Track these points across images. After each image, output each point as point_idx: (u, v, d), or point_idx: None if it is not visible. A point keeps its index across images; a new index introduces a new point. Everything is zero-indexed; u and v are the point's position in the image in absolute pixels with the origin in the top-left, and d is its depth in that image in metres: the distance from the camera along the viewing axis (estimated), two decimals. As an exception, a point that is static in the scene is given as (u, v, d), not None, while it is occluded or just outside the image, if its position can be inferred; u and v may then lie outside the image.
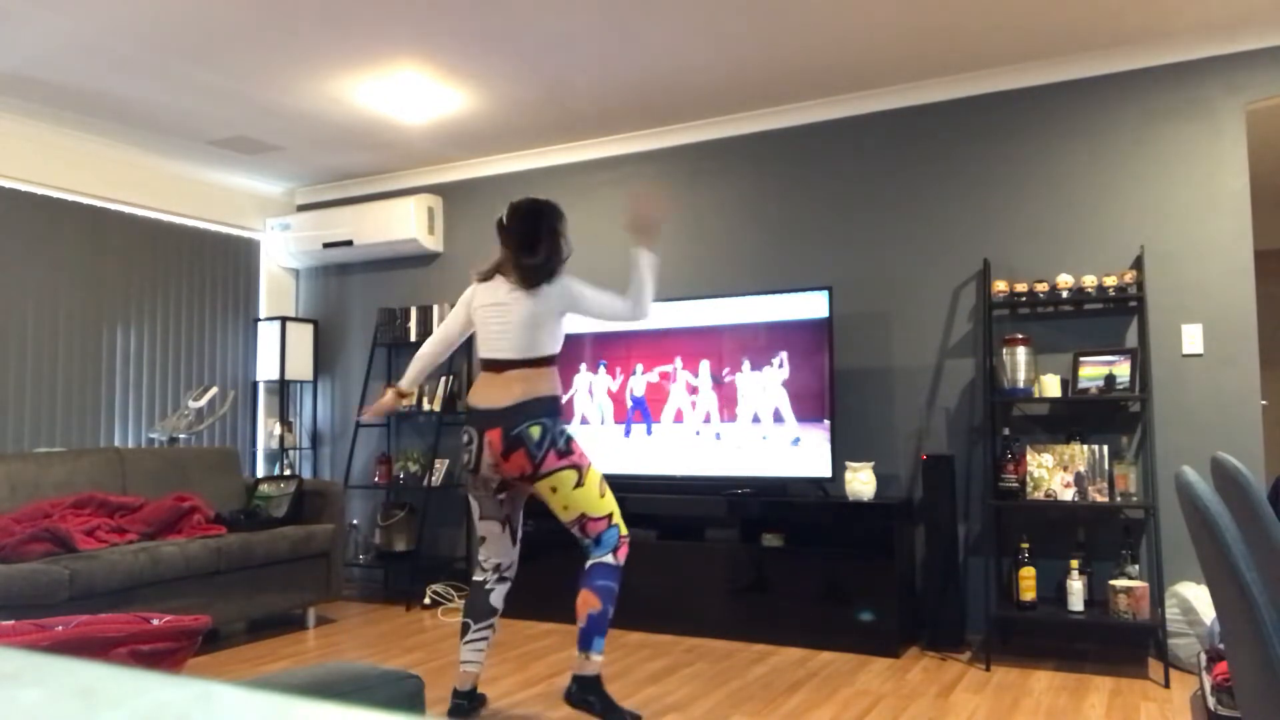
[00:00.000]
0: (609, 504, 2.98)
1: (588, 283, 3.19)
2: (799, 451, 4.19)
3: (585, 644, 2.88)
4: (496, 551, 3.11)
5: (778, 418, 4.25)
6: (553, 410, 2.96)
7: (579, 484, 2.94)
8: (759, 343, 4.34)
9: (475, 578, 3.14)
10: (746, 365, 4.36)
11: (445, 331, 3.24)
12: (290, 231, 5.87)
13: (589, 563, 2.95)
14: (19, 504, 3.87)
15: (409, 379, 3.36)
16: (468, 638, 3.05)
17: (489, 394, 2.97)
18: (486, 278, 3.11)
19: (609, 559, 2.94)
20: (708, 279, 4.85)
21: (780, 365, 4.28)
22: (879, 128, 4.49)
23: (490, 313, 3.04)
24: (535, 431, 2.90)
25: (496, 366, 3.01)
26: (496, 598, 3.11)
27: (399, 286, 5.82)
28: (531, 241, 2.98)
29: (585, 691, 2.88)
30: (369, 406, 3.30)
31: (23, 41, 3.78)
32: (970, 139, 4.28)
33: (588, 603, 2.89)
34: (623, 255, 5.06)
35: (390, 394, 3.39)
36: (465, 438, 3.01)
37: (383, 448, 5.74)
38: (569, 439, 2.97)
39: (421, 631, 4.42)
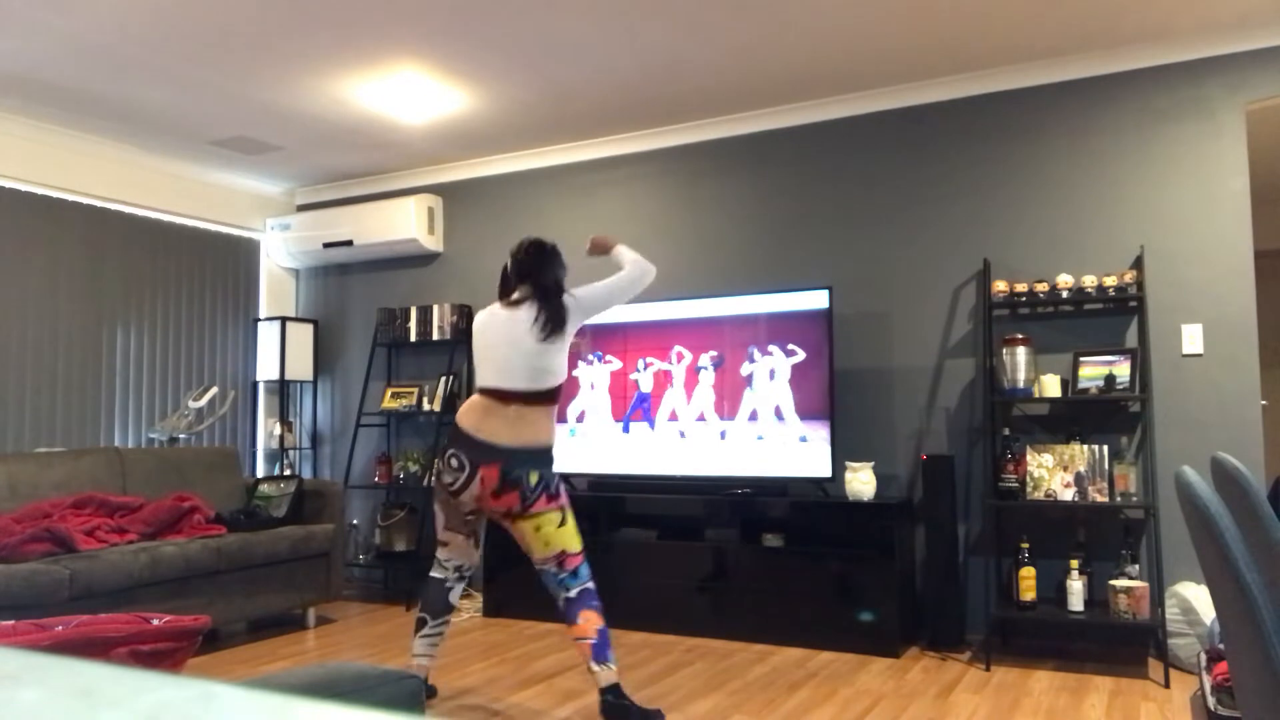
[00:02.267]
0: (580, 541, 3.07)
1: (583, 284, 3.19)
2: (799, 451, 4.19)
3: (602, 657, 2.94)
4: (458, 555, 3.15)
5: (779, 416, 4.25)
6: (551, 458, 3.03)
7: (562, 524, 3.00)
8: (759, 342, 4.34)
9: (434, 574, 3.16)
10: (747, 364, 4.36)
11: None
12: (290, 231, 5.87)
13: (576, 590, 2.99)
14: (19, 504, 3.87)
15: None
16: (424, 632, 3.10)
17: (493, 427, 2.94)
18: (505, 302, 3.10)
19: (589, 585, 3.03)
20: (708, 279, 4.85)
21: (786, 358, 4.28)
22: (879, 128, 4.49)
23: (493, 338, 3.02)
24: (533, 478, 2.95)
25: (502, 397, 2.97)
26: (454, 595, 3.16)
27: (399, 286, 5.82)
28: (547, 283, 3.04)
29: (620, 697, 2.92)
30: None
31: (23, 41, 3.78)
32: (970, 139, 4.28)
33: (590, 621, 2.96)
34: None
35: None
36: (455, 462, 2.95)
37: (383, 448, 5.74)
38: (559, 483, 3.03)
39: (421, 631, 4.42)
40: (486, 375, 3.01)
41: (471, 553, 3.16)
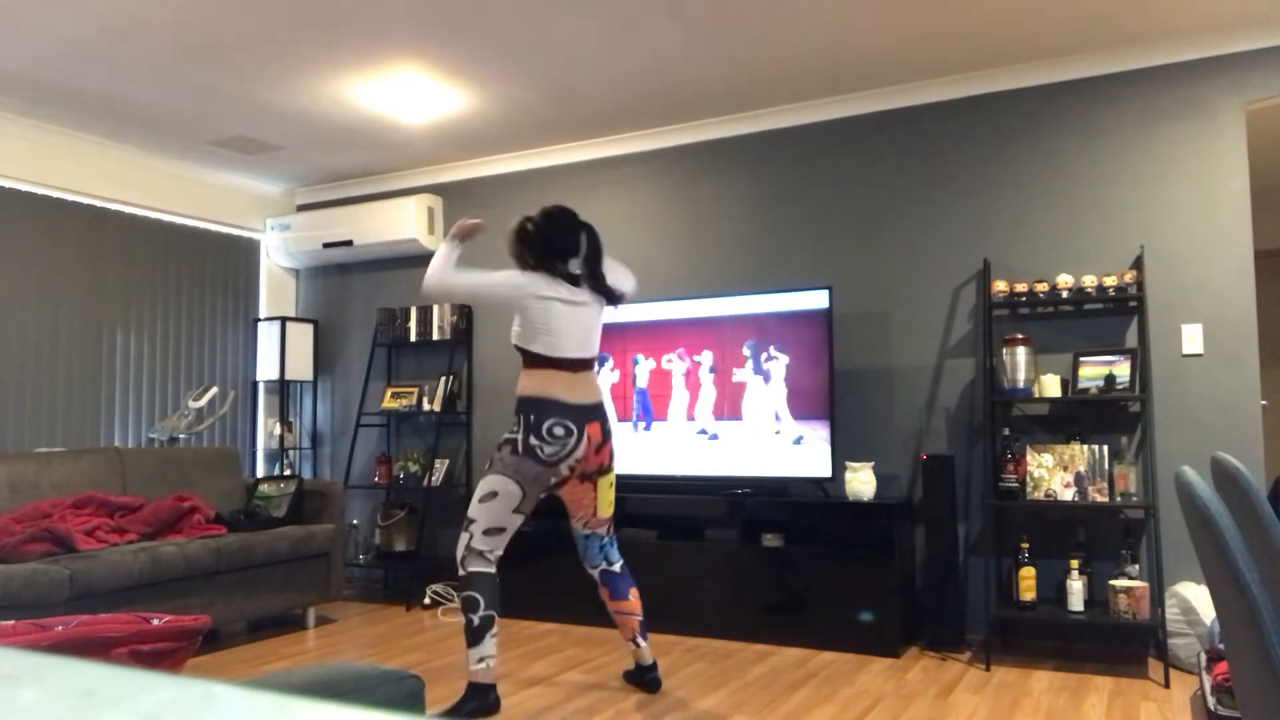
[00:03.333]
0: None
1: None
2: (799, 451, 4.19)
3: (645, 634, 3.31)
4: (500, 545, 3.15)
5: (778, 417, 4.25)
6: None
7: (613, 483, 3.31)
8: (758, 342, 4.34)
9: (484, 569, 3.08)
10: (749, 364, 4.36)
11: (477, 292, 3.15)
12: (290, 231, 5.87)
13: (619, 564, 3.32)
14: (19, 504, 3.87)
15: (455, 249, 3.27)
16: (494, 630, 3.03)
17: (578, 390, 3.14)
18: (546, 271, 3.18)
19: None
20: (708, 279, 4.85)
21: (779, 362, 4.28)
22: (879, 128, 4.49)
23: (567, 311, 3.16)
24: (610, 429, 3.26)
25: (573, 366, 3.17)
26: None
27: (399, 286, 5.82)
28: (598, 252, 3.26)
29: (656, 671, 3.34)
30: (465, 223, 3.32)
31: (23, 41, 3.78)
32: (970, 139, 4.28)
33: (638, 600, 3.30)
34: (621, 255, 5.07)
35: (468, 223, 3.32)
36: (560, 430, 3.07)
37: (383, 448, 5.74)
38: None
39: (421, 631, 4.42)
40: (558, 344, 3.14)
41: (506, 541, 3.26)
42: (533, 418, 3.06)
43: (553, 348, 3.13)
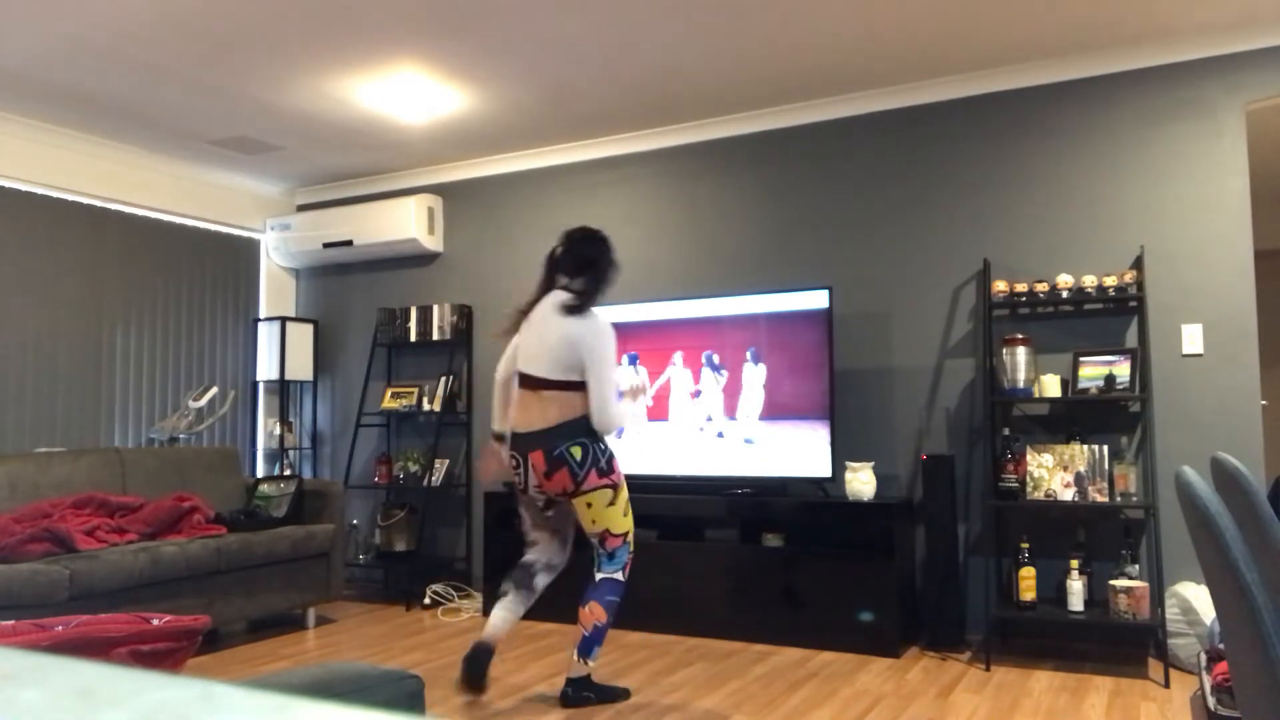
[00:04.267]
0: (629, 523, 3.18)
1: (609, 364, 3.12)
2: (799, 451, 4.19)
3: (585, 652, 3.11)
4: (546, 552, 3.27)
5: (709, 418, 4.25)
6: (590, 430, 3.10)
7: (611, 503, 3.13)
8: (758, 341, 4.34)
9: (526, 558, 3.24)
10: (748, 364, 4.36)
11: (505, 370, 3.35)
12: (290, 231, 5.87)
13: (600, 576, 3.15)
14: (19, 504, 3.87)
15: (498, 420, 3.40)
16: (503, 603, 3.14)
17: (527, 417, 3.12)
18: (526, 310, 3.26)
19: (618, 575, 3.16)
20: (708, 279, 4.85)
21: (757, 364, 4.28)
22: (879, 128, 4.49)
23: (528, 331, 3.18)
24: (577, 452, 3.07)
25: (532, 384, 3.13)
26: (540, 581, 3.26)
27: (399, 286, 5.82)
28: (579, 265, 3.18)
29: (580, 689, 3.15)
30: (484, 466, 3.43)
31: (23, 41, 3.78)
32: (970, 139, 4.28)
33: (594, 614, 3.09)
34: (622, 255, 5.07)
35: (495, 448, 3.40)
36: (514, 463, 3.14)
37: (383, 448, 5.74)
38: (610, 458, 3.13)
39: (421, 631, 4.42)
40: (519, 362, 3.18)
41: (560, 552, 3.31)
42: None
43: (517, 364, 3.22)
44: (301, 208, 6.19)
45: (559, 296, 3.17)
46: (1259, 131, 4.52)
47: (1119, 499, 3.66)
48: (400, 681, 1.38)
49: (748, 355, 4.37)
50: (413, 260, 5.77)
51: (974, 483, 4.18)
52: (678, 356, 4.52)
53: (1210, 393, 3.77)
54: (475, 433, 5.47)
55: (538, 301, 3.23)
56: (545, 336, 3.12)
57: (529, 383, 3.14)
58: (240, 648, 4.12)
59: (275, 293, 6.09)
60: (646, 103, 4.57)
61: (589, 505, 3.09)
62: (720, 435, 4.39)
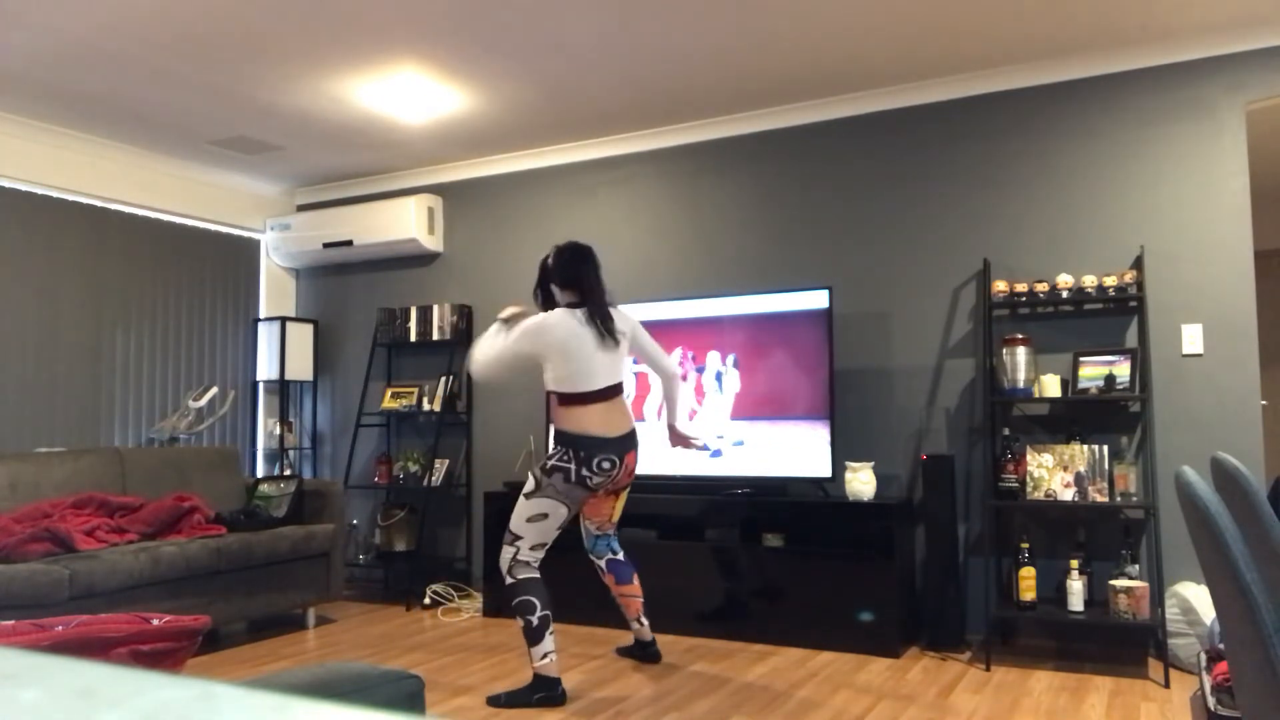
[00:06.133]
0: None
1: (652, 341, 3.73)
2: (799, 451, 4.19)
3: (645, 613, 3.75)
4: (542, 555, 3.38)
5: (770, 416, 4.25)
6: None
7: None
8: (758, 341, 4.34)
9: (532, 575, 3.29)
10: (748, 364, 4.36)
11: (514, 363, 3.36)
12: (290, 231, 5.87)
13: (622, 555, 3.67)
14: (19, 504, 3.87)
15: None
16: (551, 627, 3.26)
17: (619, 421, 3.36)
18: (566, 307, 3.38)
19: None
20: (708, 279, 4.85)
21: (733, 366, 4.28)
22: (879, 128, 4.49)
23: (577, 349, 3.29)
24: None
25: (609, 393, 3.36)
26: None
27: (399, 286, 5.82)
28: (565, 282, 3.41)
29: (656, 645, 3.77)
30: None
31: (23, 41, 3.78)
32: (970, 139, 4.28)
33: (639, 583, 3.72)
34: (622, 255, 5.07)
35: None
36: (608, 464, 3.30)
37: (382, 448, 5.74)
38: None
39: (421, 631, 4.42)
40: (593, 376, 3.31)
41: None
42: (582, 454, 3.27)
43: (585, 383, 3.30)
44: (301, 208, 6.19)
45: (576, 314, 3.31)
46: (1259, 131, 4.52)
47: (1119, 499, 3.66)
48: (400, 681, 1.38)
49: (746, 356, 4.37)
50: (412, 260, 5.77)
51: (974, 483, 4.18)
52: (676, 355, 4.52)
53: (1210, 393, 3.77)
54: (475, 433, 5.47)
55: (553, 322, 3.31)
56: (595, 352, 3.31)
57: (601, 395, 3.31)
58: (240, 648, 4.12)
59: (275, 293, 6.09)
60: (646, 103, 4.57)
61: (627, 495, 3.63)
62: (720, 436, 4.39)
